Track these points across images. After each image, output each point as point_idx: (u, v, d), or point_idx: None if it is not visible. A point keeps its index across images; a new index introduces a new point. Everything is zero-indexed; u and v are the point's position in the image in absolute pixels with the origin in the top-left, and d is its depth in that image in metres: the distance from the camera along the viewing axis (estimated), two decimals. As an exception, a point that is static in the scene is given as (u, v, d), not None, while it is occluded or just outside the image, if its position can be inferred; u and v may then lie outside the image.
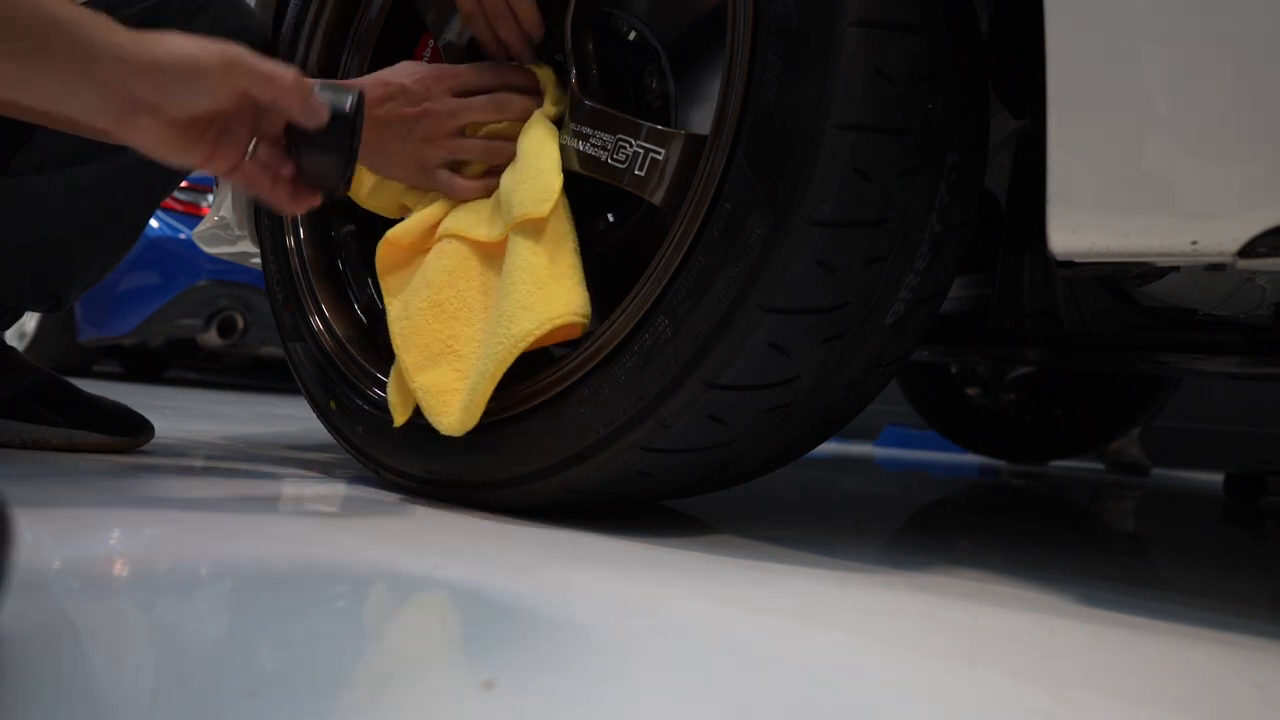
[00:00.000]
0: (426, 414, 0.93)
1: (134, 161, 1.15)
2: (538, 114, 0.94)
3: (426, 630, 0.53)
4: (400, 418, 0.98)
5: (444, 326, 0.95)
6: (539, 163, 0.89)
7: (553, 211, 0.87)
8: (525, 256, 0.87)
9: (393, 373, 0.99)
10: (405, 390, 0.97)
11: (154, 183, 1.23)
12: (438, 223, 0.98)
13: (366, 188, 1.07)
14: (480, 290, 0.94)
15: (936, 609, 0.68)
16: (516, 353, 0.85)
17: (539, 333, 0.84)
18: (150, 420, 1.24)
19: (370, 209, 1.09)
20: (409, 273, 1.00)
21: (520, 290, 0.86)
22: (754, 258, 0.75)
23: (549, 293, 0.86)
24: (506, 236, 0.90)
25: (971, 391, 2.94)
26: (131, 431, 1.20)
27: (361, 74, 1.13)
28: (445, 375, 0.94)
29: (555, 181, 0.88)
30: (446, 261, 0.95)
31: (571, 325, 0.86)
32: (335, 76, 1.20)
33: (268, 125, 0.78)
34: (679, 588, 0.67)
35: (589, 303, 0.87)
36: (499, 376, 0.87)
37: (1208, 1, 0.59)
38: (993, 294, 1.31)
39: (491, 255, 0.93)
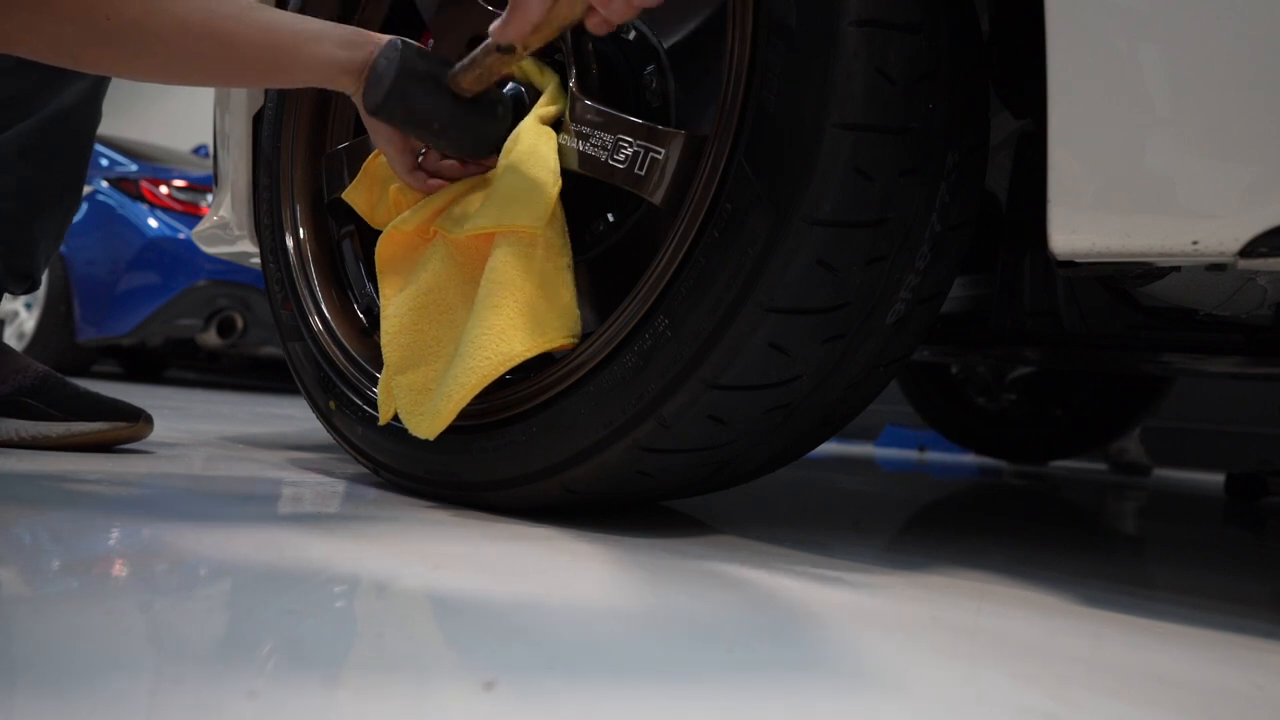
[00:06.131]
0: (401, 413, 0.94)
1: (50, 115, 1.20)
2: (533, 114, 0.93)
3: (426, 630, 0.53)
4: (385, 416, 0.99)
5: (430, 328, 0.95)
6: (534, 171, 0.88)
7: (548, 225, 0.87)
8: (519, 272, 0.86)
9: (383, 371, 0.99)
10: (390, 389, 0.97)
11: (74, 130, 1.27)
12: (432, 217, 0.98)
13: (373, 205, 1.08)
14: (469, 294, 0.94)
15: (937, 609, 0.68)
16: (501, 371, 0.86)
17: (528, 355, 0.85)
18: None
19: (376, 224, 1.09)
20: (404, 272, 1.00)
21: (513, 309, 0.85)
22: (754, 258, 0.75)
23: (542, 313, 0.85)
24: (494, 236, 0.89)
25: (972, 392, 2.94)
26: (130, 418, 1.20)
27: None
28: (425, 375, 0.94)
29: (551, 193, 0.87)
30: (439, 262, 0.96)
31: (561, 346, 0.86)
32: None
33: None
34: (678, 588, 0.67)
35: (579, 320, 0.87)
36: (479, 389, 0.87)
37: (1208, 1, 0.58)
38: (993, 294, 1.31)
39: (480, 255, 0.93)
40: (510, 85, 1.00)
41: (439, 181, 0.99)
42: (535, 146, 0.90)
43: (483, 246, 0.92)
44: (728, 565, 0.76)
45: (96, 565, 0.61)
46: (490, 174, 0.97)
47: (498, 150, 0.95)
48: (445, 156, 0.99)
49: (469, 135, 0.94)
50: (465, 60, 0.90)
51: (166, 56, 0.85)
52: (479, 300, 0.88)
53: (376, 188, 1.07)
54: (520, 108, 0.98)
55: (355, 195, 1.09)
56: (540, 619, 0.56)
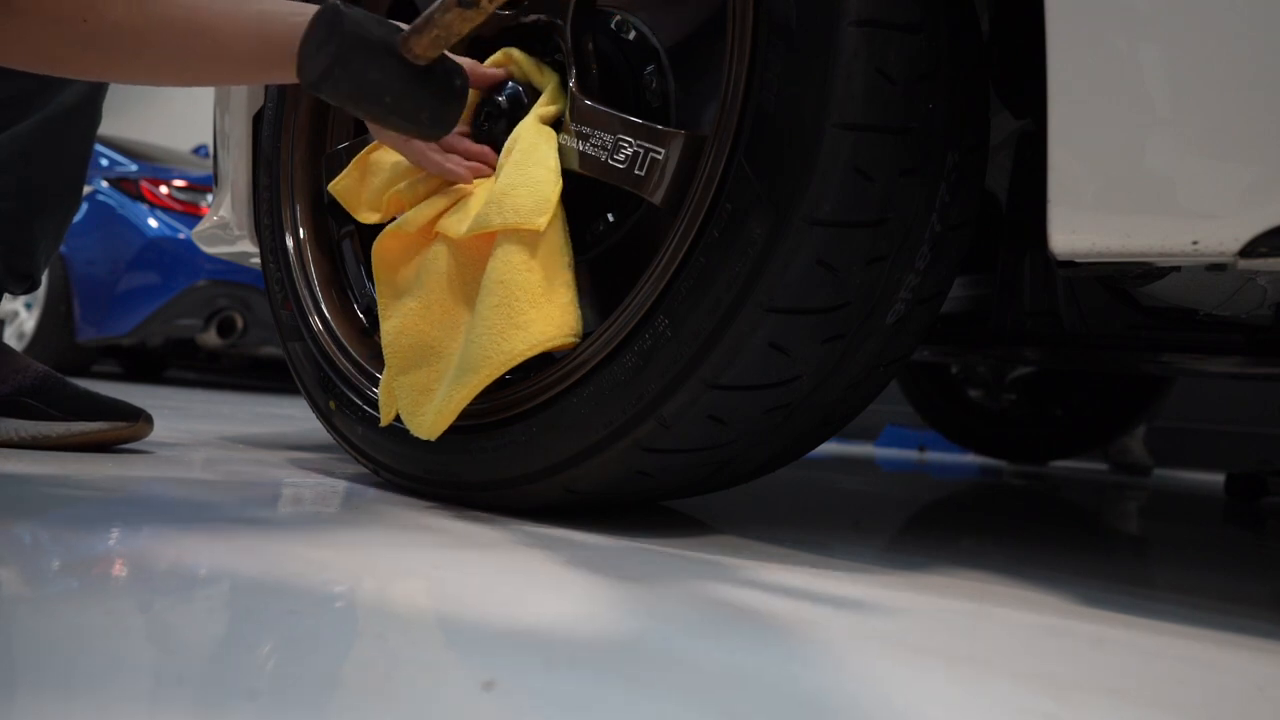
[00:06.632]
0: (403, 414, 0.94)
1: (51, 115, 1.19)
2: (533, 114, 0.93)
3: (426, 630, 0.53)
4: (387, 417, 0.99)
5: (431, 329, 0.95)
6: (535, 170, 0.88)
7: (549, 224, 0.87)
8: (520, 271, 0.86)
9: (385, 372, 0.99)
10: (392, 390, 0.98)
11: (75, 131, 1.27)
12: (435, 219, 0.98)
13: (361, 199, 1.08)
14: (470, 295, 0.94)
15: (937, 609, 0.68)
16: (503, 370, 0.86)
17: (530, 354, 0.85)
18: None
19: (365, 221, 1.10)
20: (404, 273, 1.00)
21: (514, 307, 0.85)
22: (754, 258, 0.75)
23: (544, 312, 0.85)
24: (495, 236, 0.89)
25: (972, 391, 2.94)
26: (130, 418, 1.20)
27: None
28: (426, 376, 0.94)
29: (553, 192, 0.87)
30: (440, 264, 0.95)
31: (562, 345, 0.86)
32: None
33: None
34: (679, 588, 0.67)
35: (580, 320, 0.88)
36: (481, 388, 0.87)
37: (1208, 1, 0.58)
38: (993, 294, 1.31)
39: (481, 256, 0.93)
40: (509, 85, 1.00)
41: (456, 161, 0.97)
42: (535, 145, 0.90)
43: (484, 247, 0.92)
44: (727, 565, 0.76)
45: (96, 565, 0.61)
46: (487, 178, 0.97)
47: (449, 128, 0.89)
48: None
49: (426, 111, 0.84)
50: (419, 20, 0.79)
51: (155, 58, 0.81)
52: (480, 300, 0.88)
53: (368, 182, 1.07)
54: (518, 107, 0.98)
55: (342, 188, 1.09)
56: (541, 619, 0.56)
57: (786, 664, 0.51)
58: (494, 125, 1.00)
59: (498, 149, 0.97)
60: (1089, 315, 1.26)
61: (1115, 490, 2.33)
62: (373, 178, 1.07)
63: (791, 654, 0.53)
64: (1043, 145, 0.64)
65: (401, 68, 0.80)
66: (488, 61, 1.01)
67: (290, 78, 0.90)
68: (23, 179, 1.23)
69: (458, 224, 0.94)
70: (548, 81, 0.96)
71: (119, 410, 1.19)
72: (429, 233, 0.98)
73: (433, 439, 0.91)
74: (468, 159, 0.99)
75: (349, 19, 0.78)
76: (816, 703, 0.45)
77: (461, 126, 1.01)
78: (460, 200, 0.97)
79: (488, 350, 0.85)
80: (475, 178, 0.98)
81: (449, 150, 0.98)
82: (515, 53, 1.00)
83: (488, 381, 0.86)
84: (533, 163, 0.89)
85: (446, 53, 0.92)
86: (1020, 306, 1.27)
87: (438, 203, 0.97)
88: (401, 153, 0.99)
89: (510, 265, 0.86)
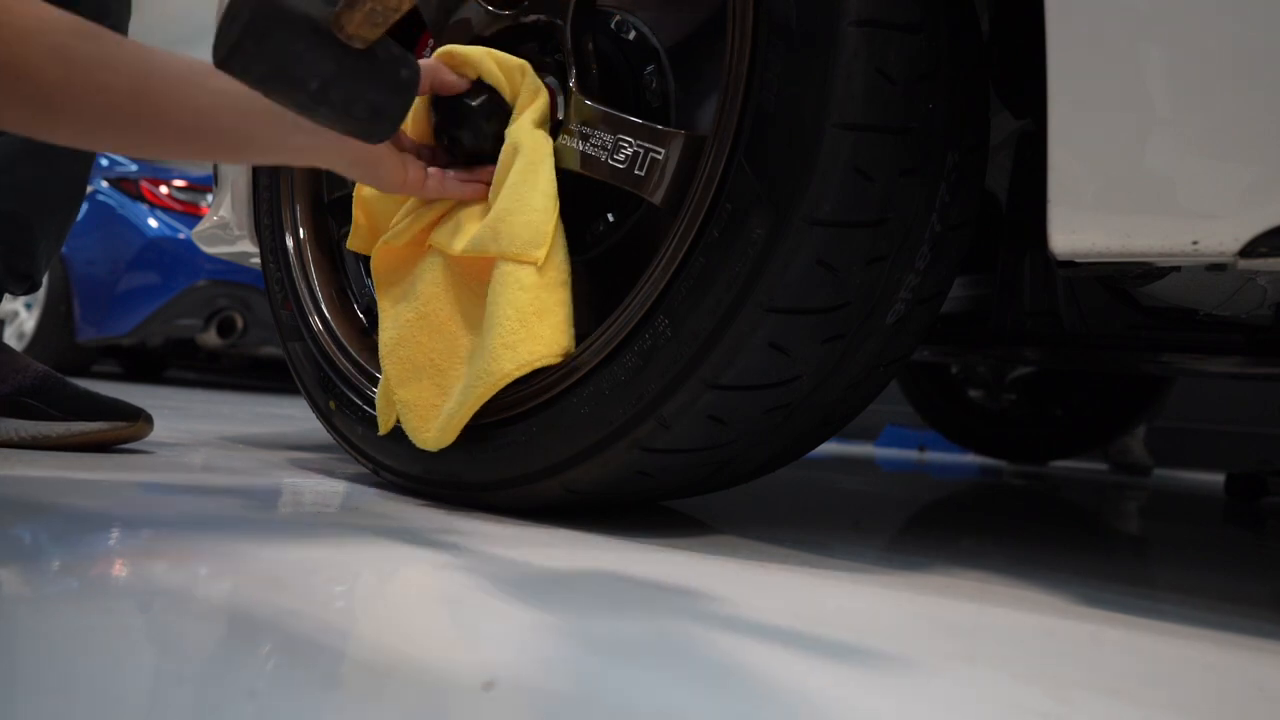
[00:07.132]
0: (405, 428, 0.95)
1: None
2: (526, 119, 0.89)
3: (426, 630, 0.53)
4: (385, 427, 0.99)
5: (429, 340, 0.95)
6: (533, 197, 0.86)
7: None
8: (513, 291, 0.85)
9: (381, 382, 0.99)
10: (390, 400, 0.98)
11: None
12: (426, 229, 0.97)
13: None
14: (465, 306, 0.94)
15: (936, 609, 0.68)
16: (495, 390, 0.87)
17: (518, 374, 0.86)
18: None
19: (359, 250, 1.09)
20: (401, 284, 1.00)
21: (505, 327, 0.85)
22: (754, 258, 0.75)
23: (533, 332, 0.85)
24: (493, 257, 0.88)
25: (972, 391, 2.94)
26: (130, 418, 1.20)
27: None
28: (426, 390, 0.94)
29: (550, 224, 0.86)
30: (436, 274, 0.95)
31: (553, 364, 0.86)
32: None
33: None
34: (678, 589, 0.67)
35: (573, 337, 0.88)
36: (476, 408, 0.88)
37: (1208, 1, 0.58)
38: (993, 294, 1.31)
39: (479, 270, 0.92)
40: (468, 98, 0.93)
41: (438, 179, 0.92)
42: (534, 165, 0.87)
43: (478, 260, 0.91)
44: (728, 565, 0.76)
45: (96, 565, 0.61)
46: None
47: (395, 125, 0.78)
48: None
49: (361, 102, 0.71)
50: None
51: (91, 126, 0.72)
52: (485, 319, 0.88)
53: (373, 224, 1.04)
54: (471, 115, 0.92)
55: (359, 243, 1.07)
56: (540, 619, 0.56)
57: (786, 664, 0.51)
58: (459, 141, 0.94)
59: (469, 164, 0.94)
60: (1089, 315, 1.27)
61: (1115, 490, 2.33)
62: (376, 218, 1.04)
63: (791, 654, 0.53)
64: (1043, 145, 0.64)
65: (333, 48, 0.68)
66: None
67: (255, 154, 0.85)
68: (24, 179, 1.23)
69: (450, 237, 0.92)
70: (519, 79, 0.90)
71: (119, 410, 1.19)
72: (421, 243, 0.98)
73: (436, 451, 0.92)
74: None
75: None
76: (816, 702, 0.45)
77: (422, 143, 0.95)
78: (450, 211, 0.95)
79: (481, 373, 0.87)
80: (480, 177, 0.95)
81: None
82: (460, 51, 0.92)
83: (483, 401, 0.88)
84: (529, 186, 0.87)
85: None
86: (1020, 306, 1.27)
87: (426, 215, 0.96)
88: (402, 192, 0.92)
89: (507, 286, 0.86)
